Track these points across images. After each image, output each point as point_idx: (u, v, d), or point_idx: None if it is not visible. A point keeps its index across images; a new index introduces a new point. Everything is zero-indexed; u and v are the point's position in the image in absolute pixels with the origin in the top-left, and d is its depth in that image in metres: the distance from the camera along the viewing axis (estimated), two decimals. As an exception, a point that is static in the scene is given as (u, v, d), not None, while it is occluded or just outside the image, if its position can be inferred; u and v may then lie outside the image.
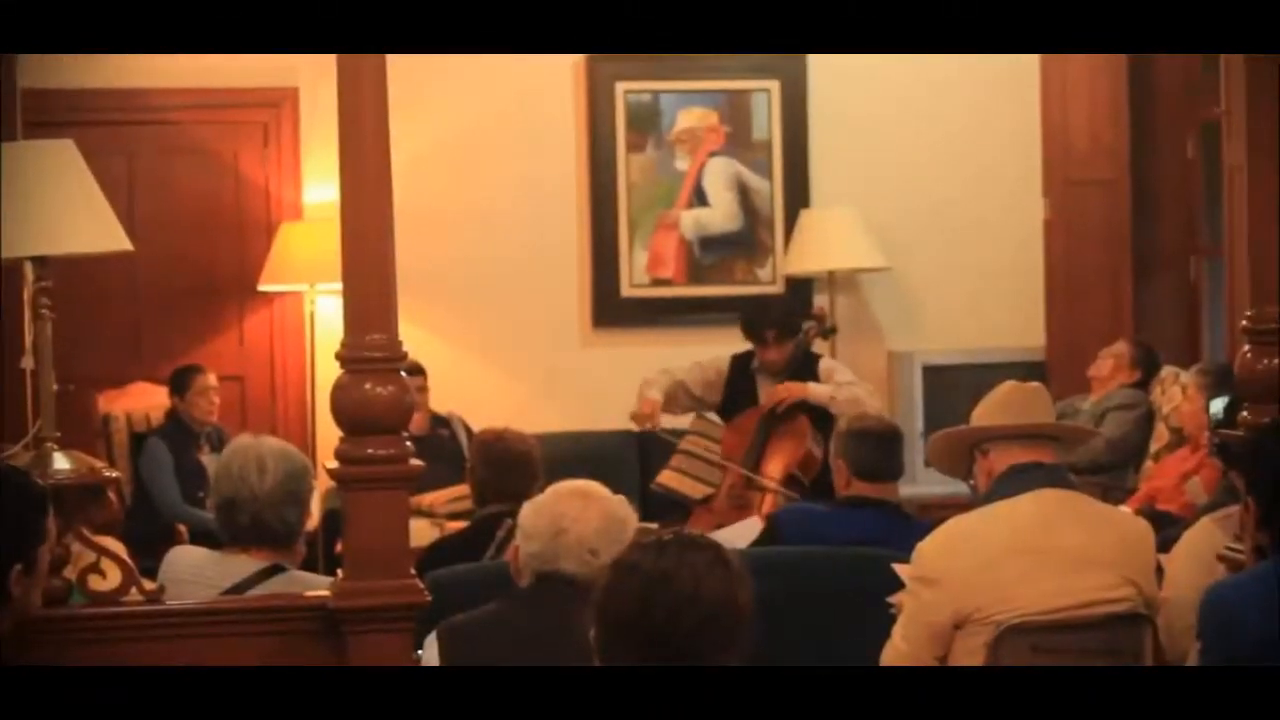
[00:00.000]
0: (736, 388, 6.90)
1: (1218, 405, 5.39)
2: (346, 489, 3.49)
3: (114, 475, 3.78)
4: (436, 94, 7.66)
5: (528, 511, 3.61)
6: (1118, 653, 3.75)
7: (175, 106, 7.65)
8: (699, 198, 8.03)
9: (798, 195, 8.03)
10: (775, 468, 6.62)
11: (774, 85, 8.02)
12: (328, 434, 4.28)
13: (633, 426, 6.87)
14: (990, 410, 4.05)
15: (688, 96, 8.00)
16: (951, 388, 7.45)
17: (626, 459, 7.54)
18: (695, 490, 6.75)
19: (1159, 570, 4.02)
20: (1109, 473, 6.93)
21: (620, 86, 7.93)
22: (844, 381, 6.77)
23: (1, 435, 4.67)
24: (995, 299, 8.12)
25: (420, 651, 3.56)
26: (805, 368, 6.86)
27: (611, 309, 7.99)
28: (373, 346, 3.46)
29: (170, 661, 3.40)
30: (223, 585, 3.81)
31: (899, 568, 4.10)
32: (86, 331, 7.33)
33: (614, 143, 7.95)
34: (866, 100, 8.07)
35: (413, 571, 3.54)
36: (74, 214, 3.76)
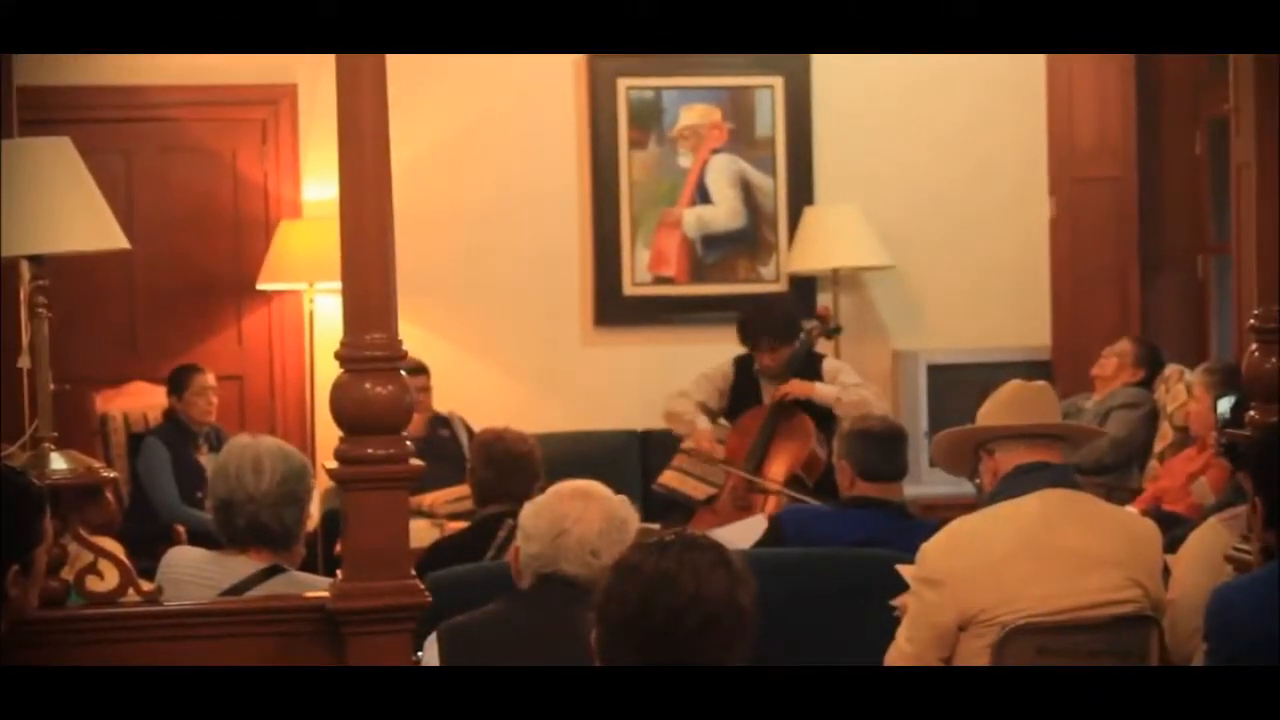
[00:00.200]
0: (740, 389, 6.90)
1: (1225, 405, 5.37)
2: (346, 489, 3.47)
3: (112, 475, 3.75)
4: (436, 90, 7.64)
5: (528, 512, 3.61)
6: (1123, 654, 3.75)
7: (173, 103, 7.63)
8: (702, 195, 8.00)
9: (801, 193, 8.00)
10: (779, 468, 6.61)
11: (777, 82, 7.99)
12: (327, 434, 4.25)
13: (636, 427, 6.87)
14: (996, 410, 4.03)
15: (690, 93, 7.98)
16: (956, 387, 7.42)
17: (628, 459, 7.53)
18: (698, 491, 6.74)
19: (1165, 571, 4.00)
20: (1113, 473, 6.91)
21: (622, 83, 7.90)
22: (850, 383, 6.75)
23: (-1, 435, 4.65)
24: (1000, 297, 8.10)
25: (420, 653, 3.55)
26: (809, 368, 6.85)
27: (613, 308, 7.96)
28: (372, 346, 3.43)
29: (168, 663, 3.38)
30: (221, 586, 3.79)
31: (903, 569, 4.08)
32: (84, 331, 7.33)
33: (616, 140, 7.92)
34: (871, 97, 8.04)
35: (413, 572, 3.51)
36: (71, 212, 3.75)
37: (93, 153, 4.02)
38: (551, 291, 7.93)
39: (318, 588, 3.72)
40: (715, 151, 8.00)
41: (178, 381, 7.11)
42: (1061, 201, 8.07)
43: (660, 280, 8.00)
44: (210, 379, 7.11)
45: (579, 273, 7.97)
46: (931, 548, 3.84)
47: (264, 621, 3.54)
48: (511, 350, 7.90)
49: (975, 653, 3.73)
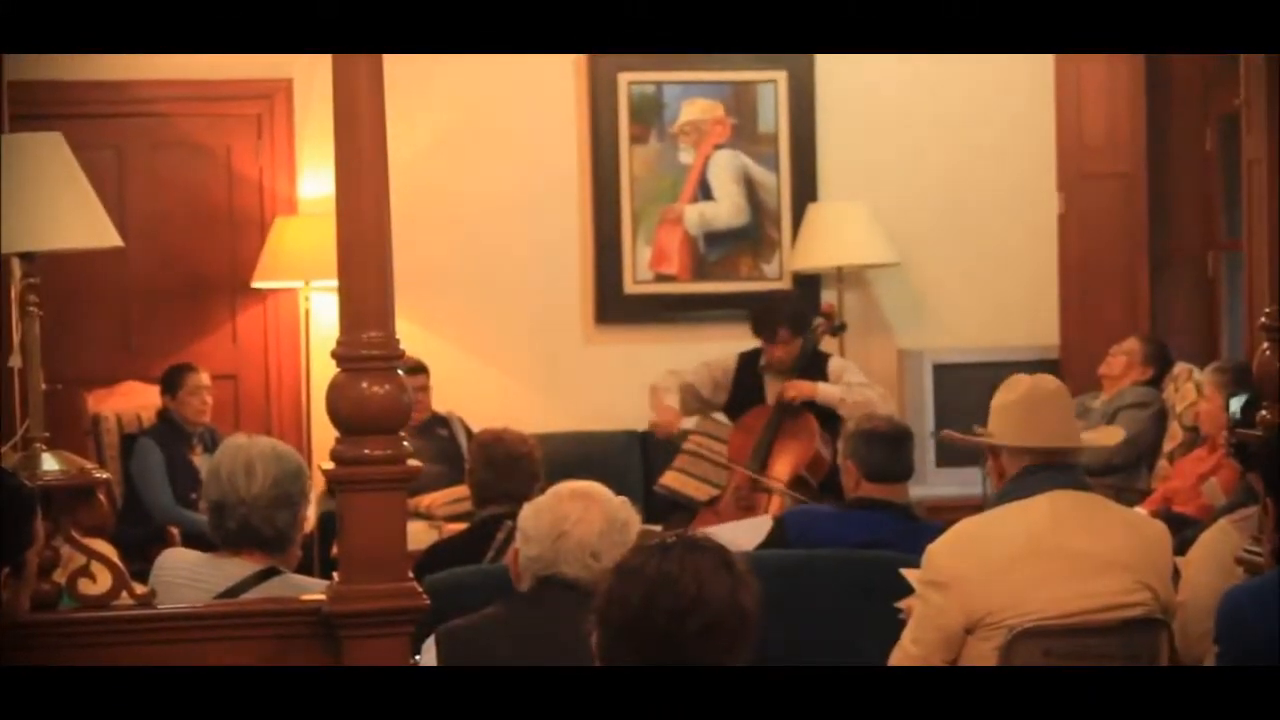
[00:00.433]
0: (743, 386, 6.87)
1: (1236, 404, 5.33)
2: (342, 490, 3.46)
3: (104, 476, 3.75)
4: (435, 85, 7.61)
5: (528, 513, 3.59)
6: (1133, 657, 3.75)
7: (166, 98, 7.61)
8: (704, 192, 7.96)
9: (805, 189, 7.97)
10: (783, 469, 6.58)
11: (781, 76, 7.95)
12: (323, 434, 4.23)
13: (637, 427, 6.84)
14: (1009, 418, 3.93)
15: (692, 88, 7.94)
16: (963, 386, 7.40)
17: (629, 460, 7.51)
18: (700, 492, 6.72)
19: (1175, 573, 3.97)
20: (1121, 473, 6.89)
21: (623, 78, 7.86)
22: (855, 383, 6.72)
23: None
24: (1008, 295, 8.06)
25: (418, 657, 3.55)
26: (814, 366, 6.82)
27: (614, 306, 7.93)
28: (369, 345, 3.41)
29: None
30: (216, 589, 3.77)
31: (908, 572, 4.07)
32: (76, 329, 7.31)
33: (616, 135, 7.88)
34: (875, 92, 8.01)
35: (410, 575, 3.50)
36: (62, 209, 3.76)
37: (85, 148, 4.03)
38: (551, 289, 7.89)
39: (314, 590, 3.70)
40: (717, 147, 7.96)
41: (171, 381, 7.09)
42: (1069, 198, 8.04)
43: (662, 278, 7.96)
44: (204, 378, 7.09)
45: (579, 270, 7.94)
46: (938, 549, 3.82)
47: (259, 625, 3.52)
48: (511, 349, 7.87)
49: (982, 656, 3.71)
